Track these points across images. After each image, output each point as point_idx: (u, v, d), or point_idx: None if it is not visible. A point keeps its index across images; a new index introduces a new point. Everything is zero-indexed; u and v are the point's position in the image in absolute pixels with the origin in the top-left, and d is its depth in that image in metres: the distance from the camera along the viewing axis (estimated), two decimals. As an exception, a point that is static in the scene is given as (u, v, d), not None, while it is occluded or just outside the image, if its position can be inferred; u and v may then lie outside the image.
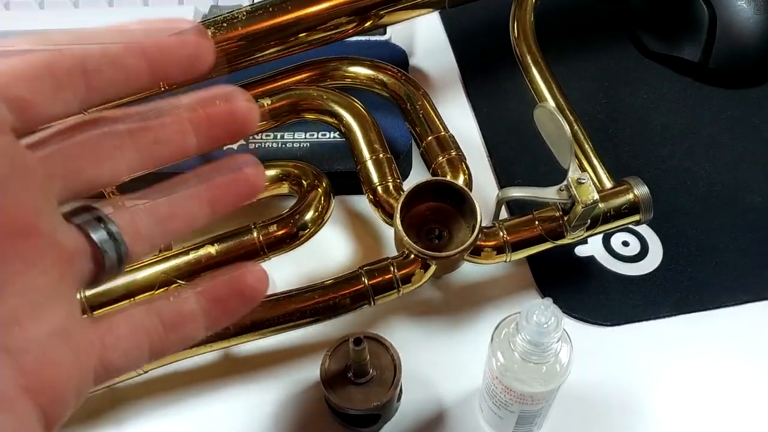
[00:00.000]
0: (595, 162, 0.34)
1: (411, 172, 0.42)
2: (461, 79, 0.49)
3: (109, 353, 0.17)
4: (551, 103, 0.35)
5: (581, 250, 0.38)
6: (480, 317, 0.36)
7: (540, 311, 0.26)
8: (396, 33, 0.49)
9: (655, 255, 0.38)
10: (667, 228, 0.39)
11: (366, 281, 0.32)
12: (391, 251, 0.39)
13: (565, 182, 0.31)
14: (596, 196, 0.30)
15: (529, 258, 0.38)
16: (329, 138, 0.41)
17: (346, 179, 0.38)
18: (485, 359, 0.29)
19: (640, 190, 0.33)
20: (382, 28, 0.48)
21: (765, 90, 0.47)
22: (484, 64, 0.49)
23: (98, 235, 0.17)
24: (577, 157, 0.35)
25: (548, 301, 0.25)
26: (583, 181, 0.30)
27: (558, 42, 0.49)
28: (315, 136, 0.41)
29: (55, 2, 0.52)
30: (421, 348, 0.35)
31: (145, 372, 0.31)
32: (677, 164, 0.43)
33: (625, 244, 0.39)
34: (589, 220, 0.32)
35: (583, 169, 0.34)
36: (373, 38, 0.47)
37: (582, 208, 0.30)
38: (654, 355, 0.35)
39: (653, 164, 0.43)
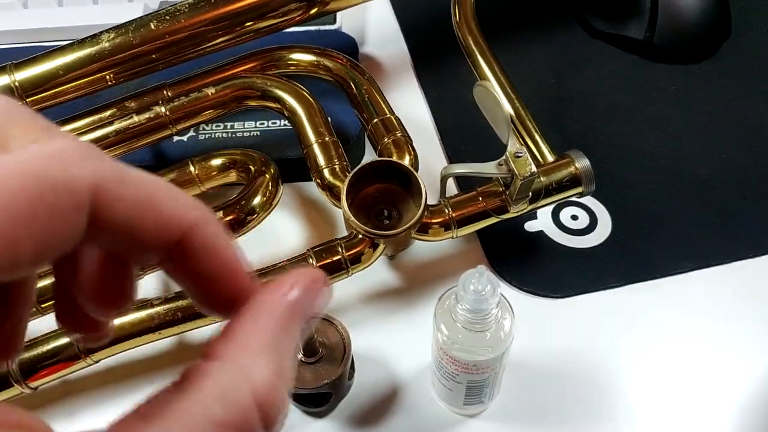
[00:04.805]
0: (537, 137, 0.35)
1: (365, 155, 0.43)
2: (413, 66, 0.49)
3: None
4: (493, 81, 0.36)
5: (531, 225, 0.39)
6: (432, 294, 0.37)
7: (476, 279, 0.26)
8: (347, 21, 0.49)
9: (604, 228, 0.39)
10: (615, 201, 0.40)
11: (314, 263, 0.32)
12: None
13: (504, 157, 0.32)
14: (533, 169, 0.31)
15: (480, 234, 0.39)
16: (279, 126, 0.41)
17: (298, 166, 0.39)
18: (431, 333, 0.30)
19: (582, 163, 0.34)
20: (332, 18, 0.48)
21: (708, 64, 0.48)
22: (435, 51, 0.49)
23: None
24: (519, 133, 0.35)
25: (482, 268, 0.26)
26: (521, 154, 0.31)
27: (507, 26, 0.50)
28: (265, 124, 0.41)
29: (39, 1, 0.51)
30: (375, 327, 0.36)
31: (96, 362, 0.31)
32: (625, 140, 0.44)
33: (574, 217, 0.40)
34: (530, 194, 0.33)
35: (525, 145, 0.35)
36: (323, 27, 0.48)
37: (520, 181, 0.31)
38: (604, 324, 0.35)
39: (602, 141, 0.44)
